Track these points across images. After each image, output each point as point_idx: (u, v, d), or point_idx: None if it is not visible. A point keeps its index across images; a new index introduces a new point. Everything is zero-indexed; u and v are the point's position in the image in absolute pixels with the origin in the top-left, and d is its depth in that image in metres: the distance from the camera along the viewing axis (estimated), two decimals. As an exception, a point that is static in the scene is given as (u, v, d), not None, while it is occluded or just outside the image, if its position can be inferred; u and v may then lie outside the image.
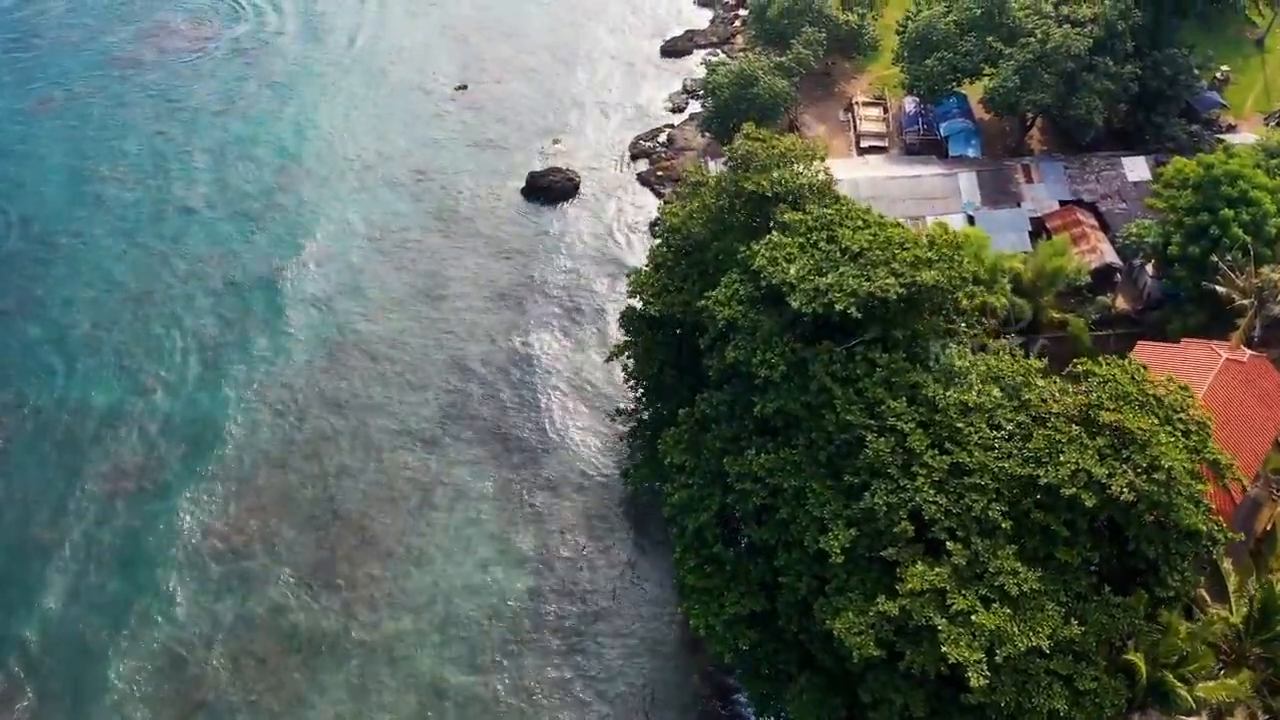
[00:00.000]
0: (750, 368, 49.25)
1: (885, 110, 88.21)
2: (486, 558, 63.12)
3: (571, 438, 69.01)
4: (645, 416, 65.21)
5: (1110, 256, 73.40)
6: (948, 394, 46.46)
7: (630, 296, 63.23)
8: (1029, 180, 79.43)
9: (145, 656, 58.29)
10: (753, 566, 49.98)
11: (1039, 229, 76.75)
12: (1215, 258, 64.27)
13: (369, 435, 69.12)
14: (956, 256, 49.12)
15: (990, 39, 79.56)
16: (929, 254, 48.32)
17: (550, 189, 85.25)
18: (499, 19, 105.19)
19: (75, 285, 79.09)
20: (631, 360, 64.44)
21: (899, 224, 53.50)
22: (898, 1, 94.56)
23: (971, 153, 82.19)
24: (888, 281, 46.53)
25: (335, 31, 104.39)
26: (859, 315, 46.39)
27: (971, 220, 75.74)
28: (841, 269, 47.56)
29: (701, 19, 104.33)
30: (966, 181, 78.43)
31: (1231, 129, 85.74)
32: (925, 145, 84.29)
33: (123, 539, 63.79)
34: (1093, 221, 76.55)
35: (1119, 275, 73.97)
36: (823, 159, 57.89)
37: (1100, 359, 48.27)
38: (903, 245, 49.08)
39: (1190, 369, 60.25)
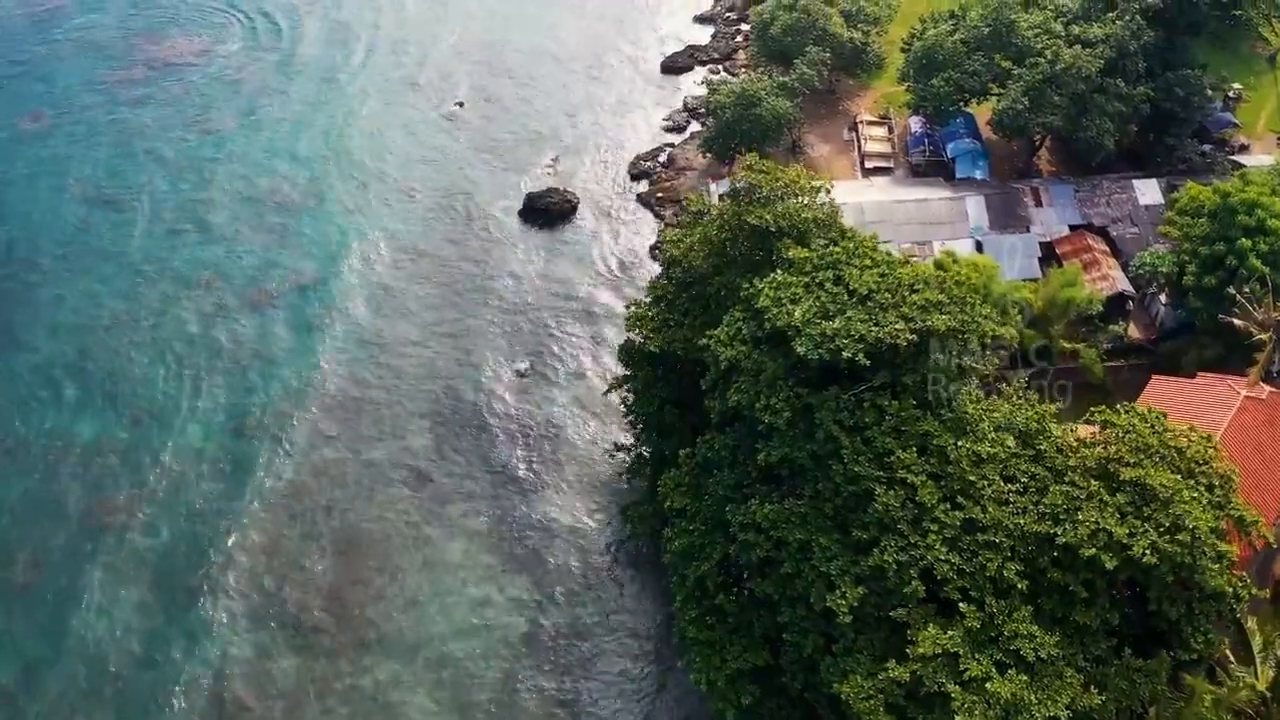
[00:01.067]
0: (753, 413, 47.40)
1: (890, 130, 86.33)
2: (481, 599, 61.14)
3: (568, 472, 67.06)
4: (645, 452, 63.33)
5: (1123, 284, 71.47)
6: (960, 444, 44.53)
7: (629, 329, 61.31)
8: (1038, 204, 77.52)
9: (129, 702, 56.37)
10: (756, 619, 48.03)
11: (1048, 254, 74.95)
12: (1232, 289, 62.24)
13: (361, 469, 67.22)
14: (969, 299, 47.10)
15: (998, 58, 77.80)
16: (940, 296, 46.34)
17: (548, 210, 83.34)
18: (496, 37, 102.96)
19: (64, 310, 77.30)
20: (630, 394, 62.68)
21: (908, 261, 51.66)
22: (902, 17, 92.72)
23: (979, 174, 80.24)
24: (897, 327, 44.61)
25: (334, 46, 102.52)
26: (867, 363, 44.45)
27: (980, 246, 73.86)
28: (849, 313, 45.61)
29: (702, 35, 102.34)
30: (974, 206, 76.53)
31: (1244, 149, 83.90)
32: (931, 166, 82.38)
33: (109, 577, 61.87)
34: (1104, 247, 74.66)
35: (1131, 303, 72.10)
36: (828, 191, 56.04)
37: (1119, 407, 46.28)
38: (913, 287, 47.15)
39: (1208, 406, 58.39)
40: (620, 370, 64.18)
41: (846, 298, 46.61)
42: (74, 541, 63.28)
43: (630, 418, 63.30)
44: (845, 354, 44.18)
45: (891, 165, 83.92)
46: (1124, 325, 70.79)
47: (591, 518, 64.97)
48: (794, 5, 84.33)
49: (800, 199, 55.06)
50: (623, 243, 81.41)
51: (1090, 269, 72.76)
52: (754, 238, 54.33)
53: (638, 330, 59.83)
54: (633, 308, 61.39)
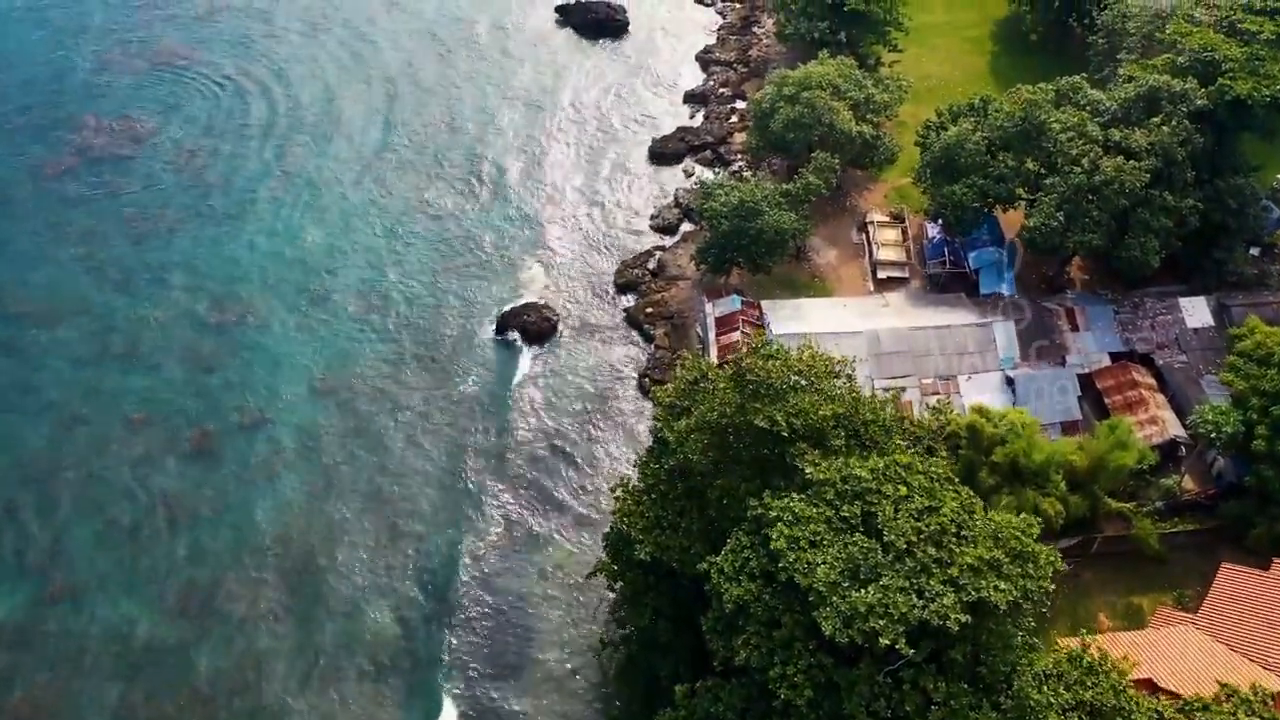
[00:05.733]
0: (767, 680, 38.87)
1: (905, 233, 77.53)
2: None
3: (547, 660, 58.52)
4: (633, 652, 54.65)
5: (1174, 428, 63.16)
6: (1026, 748, 36.03)
7: (617, 521, 52.63)
8: (1074, 327, 69.18)
9: None
10: None
11: (1085, 385, 66.62)
12: (1312, 459, 54.18)
13: (308, 662, 58.62)
14: (1030, 550, 38.51)
15: (1028, 161, 69.27)
16: (996, 551, 37.75)
17: (525, 330, 74.39)
18: (471, 123, 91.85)
19: (-29, 453, 68.34)
20: (617, 587, 54.20)
21: (950, 476, 43.05)
22: (917, 96, 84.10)
23: (1005, 289, 71.54)
24: (946, 602, 36.09)
25: (297, 129, 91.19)
26: (910, 650, 35.87)
27: (1011, 383, 65.44)
28: (884, 577, 37.02)
29: (693, 115, 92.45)
30: (1003, 333, 68.11)
31: (1293, 254, 75.63)
32: (952, 279, 73.74)
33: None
34: (1150, 381, 66.36)
35: (1183, 449, 63.71)
36: (850, 376, 47.47)
37: (1216, 702, 37.64)
38: (960, 532, 38.57)
39: (1290, 611, 50.25)
40: (604, 544, 55.80)
41: (880, 554, 37.96)
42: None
43: (619, 615, 54.86)
44: (883, 640, 35.58)
45: (907, 275, 75.27)
46: (1177, 478, 62.47)
47: (573, 721, 56.51)
48: (796, 97, 75.37)
49: (817, 384, 46.57)
50: (608, 372, 72.34)
51: (1136, 408, 64.53)
52: (762, 435, 45.72)
53: (626, 523, 51.22)
54: (620, 492, 52.97)
